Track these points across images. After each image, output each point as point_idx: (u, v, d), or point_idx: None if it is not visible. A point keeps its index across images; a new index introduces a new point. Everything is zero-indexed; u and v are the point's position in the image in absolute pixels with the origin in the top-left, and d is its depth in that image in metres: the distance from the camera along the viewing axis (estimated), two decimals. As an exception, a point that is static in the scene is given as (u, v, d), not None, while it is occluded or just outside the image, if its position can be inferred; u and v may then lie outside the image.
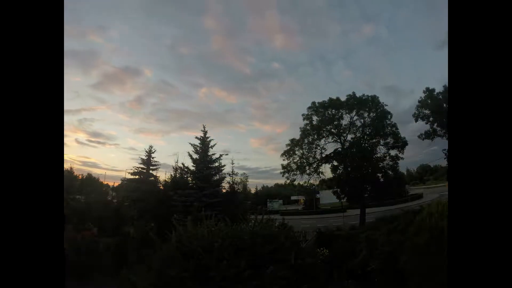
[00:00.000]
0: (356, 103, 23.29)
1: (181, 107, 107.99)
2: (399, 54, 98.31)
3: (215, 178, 17.17)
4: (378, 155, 22.68)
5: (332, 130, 23.77)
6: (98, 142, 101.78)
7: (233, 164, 18.48)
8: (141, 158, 20.31)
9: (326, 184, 25.73)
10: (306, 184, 24.65)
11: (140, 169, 20.08)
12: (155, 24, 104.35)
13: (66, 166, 27.59)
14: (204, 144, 17.13)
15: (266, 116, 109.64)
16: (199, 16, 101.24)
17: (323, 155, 23.73)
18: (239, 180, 18.79)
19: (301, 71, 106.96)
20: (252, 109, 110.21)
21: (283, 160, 24.03)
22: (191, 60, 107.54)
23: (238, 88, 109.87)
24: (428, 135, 22.80)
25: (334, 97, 23.76)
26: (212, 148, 17.16)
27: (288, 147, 24.01)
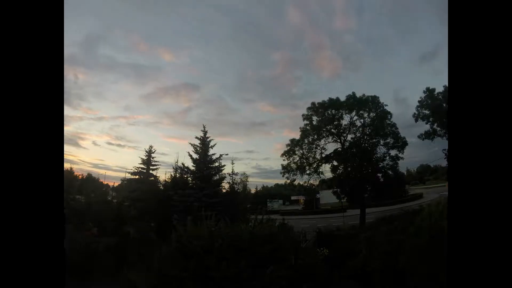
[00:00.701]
0: (356, 103, 23.26)
1: (224, 118, 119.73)
2: (414, 74, 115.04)
3: (215, 178, 17.18)
4: (378, 155, 22.68)
5: (332, 130, 23.76)
6: (119, 145, 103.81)
7: (233, 164, 18.50)
8: (141, 158, 20.30)
9: (326, 184, 25.74)
10: (306, 184, 24.63)
11: (140, 169, 20.05)
12: (233, 51, 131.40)
13: (70, 166, 27.49)
14: (204, 144, 17.14)
15: (296, 124, 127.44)
16: (272, 50, 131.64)
17: (323, 155, 23.72)
18: (239, 180, 18.80)
19: (335, 91, 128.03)
20: (287, 119, 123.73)
21: (283, 160, 24.05)
22: (251, 82, 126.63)
23: (282, 104, 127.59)
24: (428, 135, 22.80)
25: (334, 97, 23.76)
26: (212, 148, 17.18)
27: (288, 147, 24.01)
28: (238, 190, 18.28)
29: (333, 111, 23.58)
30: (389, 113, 23.08)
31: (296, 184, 25.48)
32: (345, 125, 23.73)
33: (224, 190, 17.76)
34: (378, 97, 23.51)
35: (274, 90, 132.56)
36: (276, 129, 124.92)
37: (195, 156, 17.01)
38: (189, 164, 17.18)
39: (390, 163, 22.31)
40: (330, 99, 23.64)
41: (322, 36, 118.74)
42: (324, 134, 23.73)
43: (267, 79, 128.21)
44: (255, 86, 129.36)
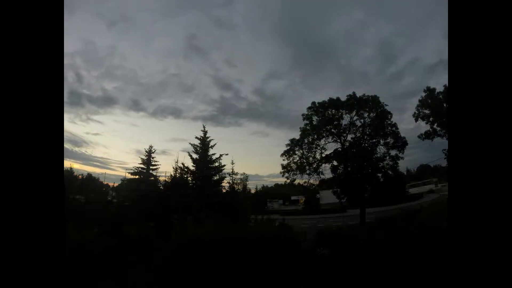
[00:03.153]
0: (356, 103, 23.22)
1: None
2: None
3: (215, 178, 17.16)
4: (378, 155, 22.65)
5: (332, 130, 23.70)
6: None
7: (233, 164, 18.47)
8: (141, 158, 20.30)
9: (326, 184, 25.68)
10: (306, 184, 24.59)
11: (140, 169, 20.05)
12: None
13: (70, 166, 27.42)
14: (204, 144, 17.13)
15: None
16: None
17: (323, 155, 23.69)
18: (239, 181, 18.76)
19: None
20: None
21: (283, 160, 24.00)
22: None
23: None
24: (428, 135, 22.81)
25: (334, 97, 23.75)
26: (212, 148, 17.16)
27: (288, 147, 23.98)
28: (238, 190, 18.27)
29: (333, 111, 23.54)
30: (389, 113, 23.03)
31: (296, 184, 25.44)
32: (345, 125, 23.66)
33: (224, 190, 17.75)
34: (378, 97, 23.48)
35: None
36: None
37: (195, 156, 17.00)
38: (189, 164, 17.18)
39: (390, 163, 22.29)
40: (330, 99, 23.60)
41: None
42: (324, 134, 23.68)
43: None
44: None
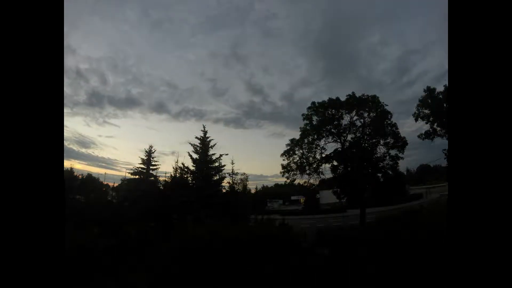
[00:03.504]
0: (356, 103, 23.22)
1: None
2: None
3: (215, 178, 17.17)
4: (378, 155, 22.65)
5: (332, 130, 23.68)
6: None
7: (233, 164, 18.47)
8: (141, 158, 20.29)
9: (326, 184, 25.66)
10: (306, 184, 24.58)
11: (140, 169, 20.04)
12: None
13: (70, 166, 27.41)
14: (204, 144, 17.13)
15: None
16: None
17: (323, 155, 23.67)
18: (239, 181, 18.77)
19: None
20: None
21: (283, 160, 23.98)
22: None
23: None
24: (428, 135, 22.82)
25: (334, 97, 23.76)
26: (212, 148, 17.16)
27: (288, 147, 23.97)
28: (238, 190, 18.27)
29: (333, 111, 23.52)
30: (389, 112, 23.01)
31: (296, 184, 25.43)
32: (345, 125, 23.63)
33: (224, 190, 17.75)
34: (378, 97, 23.48)
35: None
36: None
37: (195, 156, 17.00)
38: (189, 164, 17.19)
39: (390, 163, 22.29)
40: (330, 99, 23.59)
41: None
42: (324, 134, 23.66)
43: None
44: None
